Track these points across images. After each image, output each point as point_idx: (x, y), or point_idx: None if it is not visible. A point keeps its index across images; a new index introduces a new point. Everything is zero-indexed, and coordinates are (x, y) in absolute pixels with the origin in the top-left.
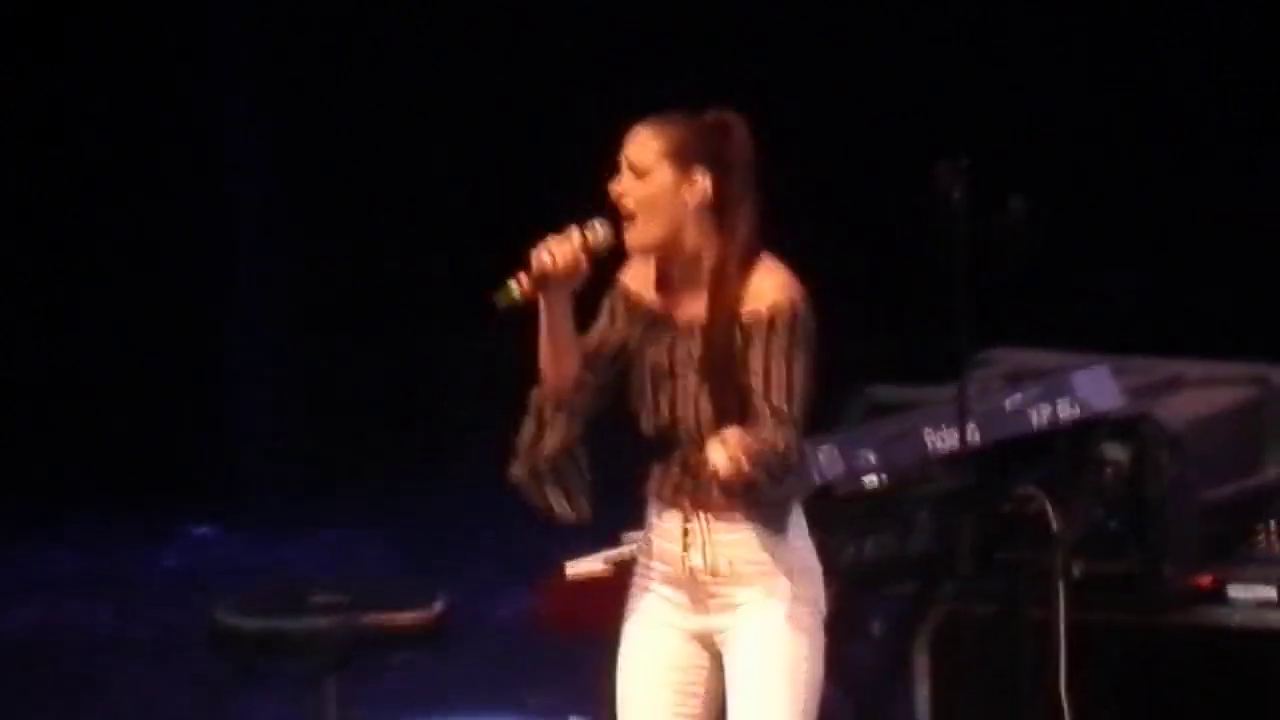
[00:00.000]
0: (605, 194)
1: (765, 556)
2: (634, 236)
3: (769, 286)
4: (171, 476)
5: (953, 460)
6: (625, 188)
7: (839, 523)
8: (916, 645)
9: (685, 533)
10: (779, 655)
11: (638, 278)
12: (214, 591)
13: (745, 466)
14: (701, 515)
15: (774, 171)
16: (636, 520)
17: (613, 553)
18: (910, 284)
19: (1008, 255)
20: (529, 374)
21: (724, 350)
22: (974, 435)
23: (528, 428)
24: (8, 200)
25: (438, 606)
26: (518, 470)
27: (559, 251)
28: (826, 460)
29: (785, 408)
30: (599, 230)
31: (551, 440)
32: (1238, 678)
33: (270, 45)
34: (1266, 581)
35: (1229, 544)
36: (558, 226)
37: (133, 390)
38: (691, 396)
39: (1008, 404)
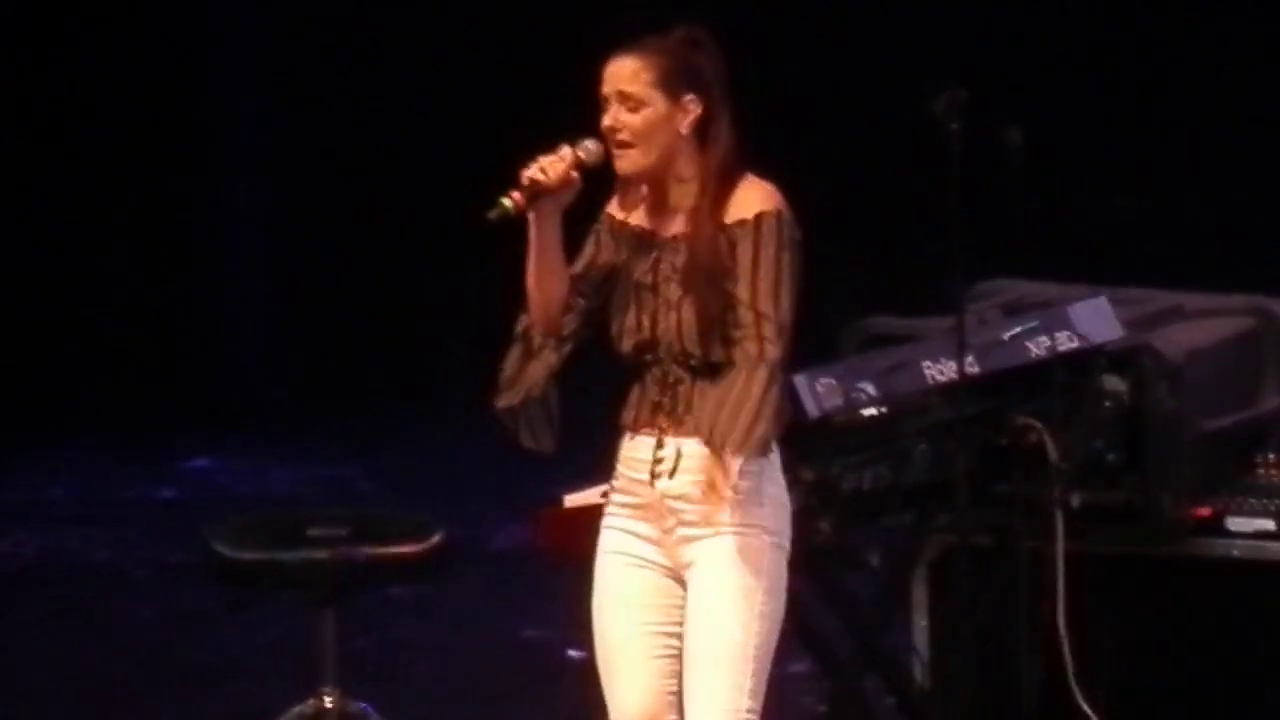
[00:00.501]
0: (593, 120)
1: (738, 482)
2: (628, 165)
3: (753, 197)
4: (168, 408)
5: (950, 391)
6: (620, 121)
7: (837, 454)
8: (914, 577)
9: (657, 459)
10: (738, 584)
11: (623, 205)
12: (210, 523)
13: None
14: (676, 437)
15: (770, 107)
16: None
17: (609, 485)
18: (907, 215)
19: (1004, 185)
20: (519, 305)
21: (708, 258)
22: (972, 366)
23: (514, 356)
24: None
25: (435, 538)
26: (504, 399)
27: (551, 167)
28: (825, 392)
29: (772, 312)
30: (590, 148)
31: (537, 368)
32: (1236, 609)
33: None
34: (1265, 513)
35: (1227, 475)
36: (549, 146)
37: (129, 322)
38: (674, 309)
39: (1006, 335)
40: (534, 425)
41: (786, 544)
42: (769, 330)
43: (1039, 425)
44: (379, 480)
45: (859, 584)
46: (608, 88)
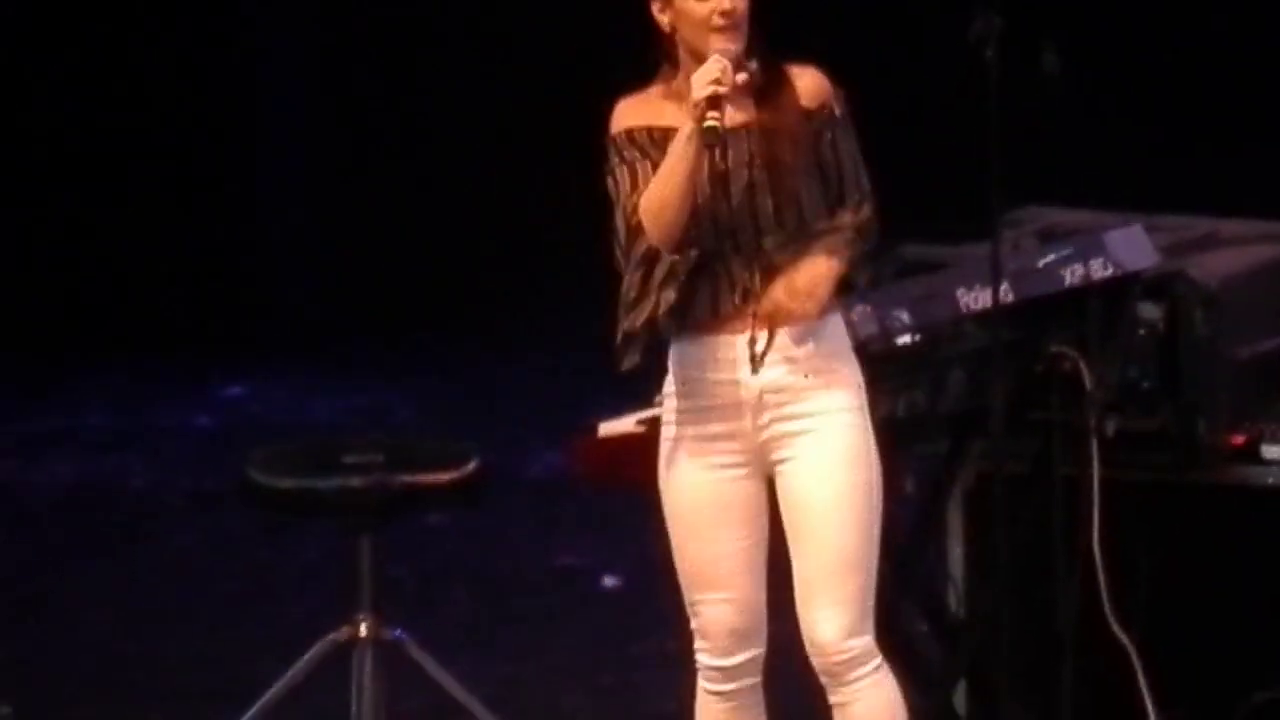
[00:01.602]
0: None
1: (840, 363)
2: (736, 44)
3: (814, 81)
4: (204, 335)
5: (985, 319)
6: (736, 3)
7: (872, 381)
8: (950, 503)
9: (751, 342)
10: (852, 481)
11: (642, 115)
12: (246, 450)
13: (818, 301)
14: (767, 322)
15: (804, 34)
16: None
17: (645, 414)
18: (942, 141)
19: (1041, 109)
20: (560, 233)
21: (792, 141)
22: (1007, 294)
23: (632, 282)
24: (26, 54)
25: (470, 465)
26: (630, 324)
27: (721, 76)
28: (859, 319)
29: (868, 185)
30: (722, 50)
31: (667, 290)
32: (1271, 535)
33: None
34: None
35: (1263, 402)
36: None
37: (164, 249)
38: (756, 191)
39: (1041, 262)
40: (644, 348)
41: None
42: (864, 204)
43: (1074, 353)
44: (416, 407)
45: (894, 511)
46: None
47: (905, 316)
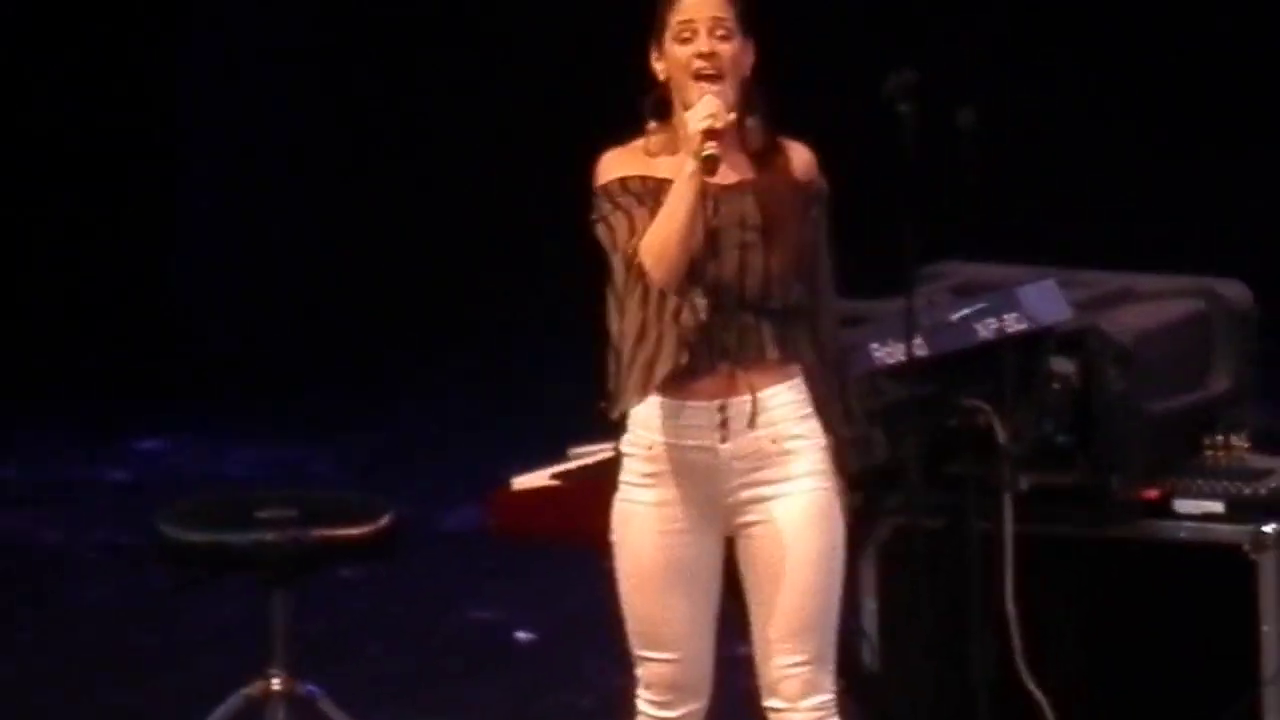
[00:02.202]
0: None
1: (808, 426)
2: (722, 101)
3: (807, 156)
4: (119, 389)
5: (900, 373)
6: (716, 49)
7: None
8: (864, 558)
9: (723, 409)
10: (820, 546)
11: (633, 166)
12: (161, 504)
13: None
14: (747, 386)
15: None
16: (580, 436)
17: (559, 467)
18: (856, 195)
19: (958, 168)
20: (477, 287)
21: (787, 204)
22: (921, 348)
23: (641, 325)
24: None
25: (385, 519)
26: (631, 361)
27: (717, 111)
28: None
29: (830, 290)
30: (713, 89)
31: (671, 323)
32: (1184, 590)
33: None
34: (1213, 495)
35: (1176, 457)
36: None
37: (79, 301)
38: (745, 251)
39: (955, 317)
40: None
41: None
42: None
43: (988, 407)
44: (332, 461)
45: None
46: (694, 13)
47: None
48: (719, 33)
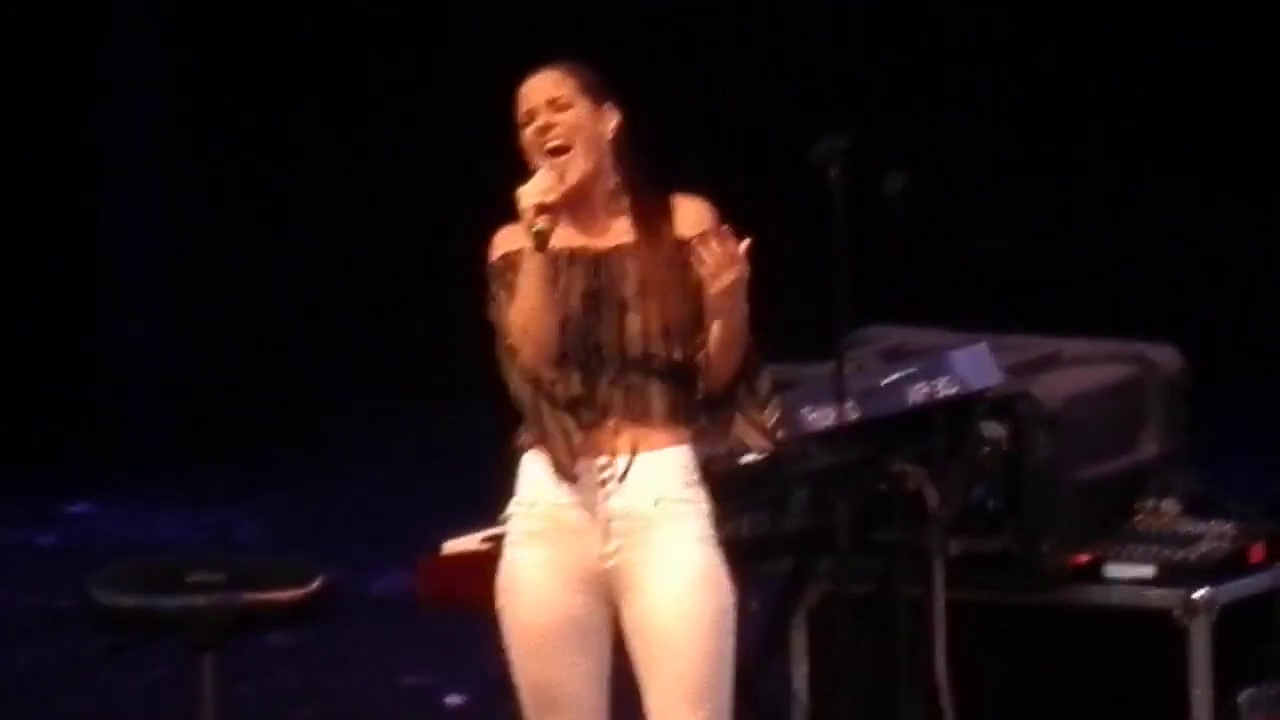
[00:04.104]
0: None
1: (692, 491)
2: (571, 169)
3: (701, 209)
4: (48, 453)
5: (830, 437)
6: (553, 120)
7: (715, 499)
8: (794, 623)
9: (606, 468)
10: (709, 608)
11: (513, 241)
12: (90, 569)
13: (741, 266)
14: (629, 444)
15: (655, 153)
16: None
17: (490, 531)
18: (786, 259)
19: (887, 232)
20: (407, 350)
21: (664, 267)
22: (851, 412)
23: (532, 402)
24: None
25: (315, 584)
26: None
27: (549, 186)
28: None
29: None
30: (551, 163)
31: (566, 393)
32: (1115, 656)
33: None
34: (1144, 560)
35: (1107, 522)
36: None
37: (7, 365)
38: (634, 312)
39: (885, 381)
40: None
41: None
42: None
43: (918, 472)
44: (262, 525)
45: (739, 630)
46: (532, 101)
47: None
48: (554, 107)
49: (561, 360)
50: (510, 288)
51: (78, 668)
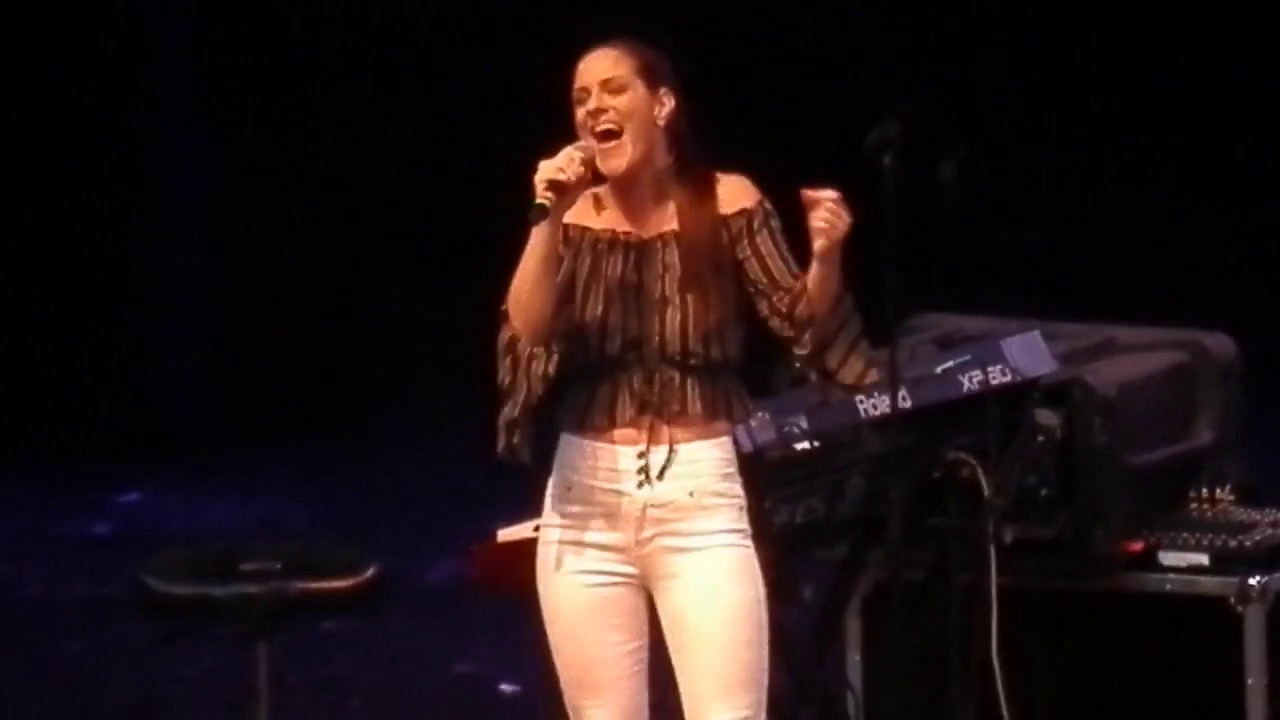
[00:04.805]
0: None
1: (727, 485)
2: (617, 158)
3: (740, 189)
4: (100, 442)
5: (884, 425)
6: (605, 104)
7: (770, 488)
8: (848, 610)
9: (643, 455)
10: (743, 599)
11: (572, 214)
12: (142, 558)
13: (845, 220)
14: (667, 437)
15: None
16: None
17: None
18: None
19: (940, 219)
20: (456, 337)
21: (711, 254)
22: (905, 400)
23: (506, 367)
24: None
25: (369, 572)
26: (506, 411)
27: (567, 165)
28: (758, 426)
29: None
30: (589, 146)
31: (535, 374)
32: (1169, 643)
33: None
34: (1197, 547)
35: (1161, 509)
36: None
37: (60, 354)
38: (674, 307)
39: (939, 369)
40: (526, 438)
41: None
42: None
43: (972, 459)
44: (314, 513)
45: (792, 618)
46: (586, 79)
47: (803, 423)
48: (609, 89)
49: (598, 350)
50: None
51: (130, 657)
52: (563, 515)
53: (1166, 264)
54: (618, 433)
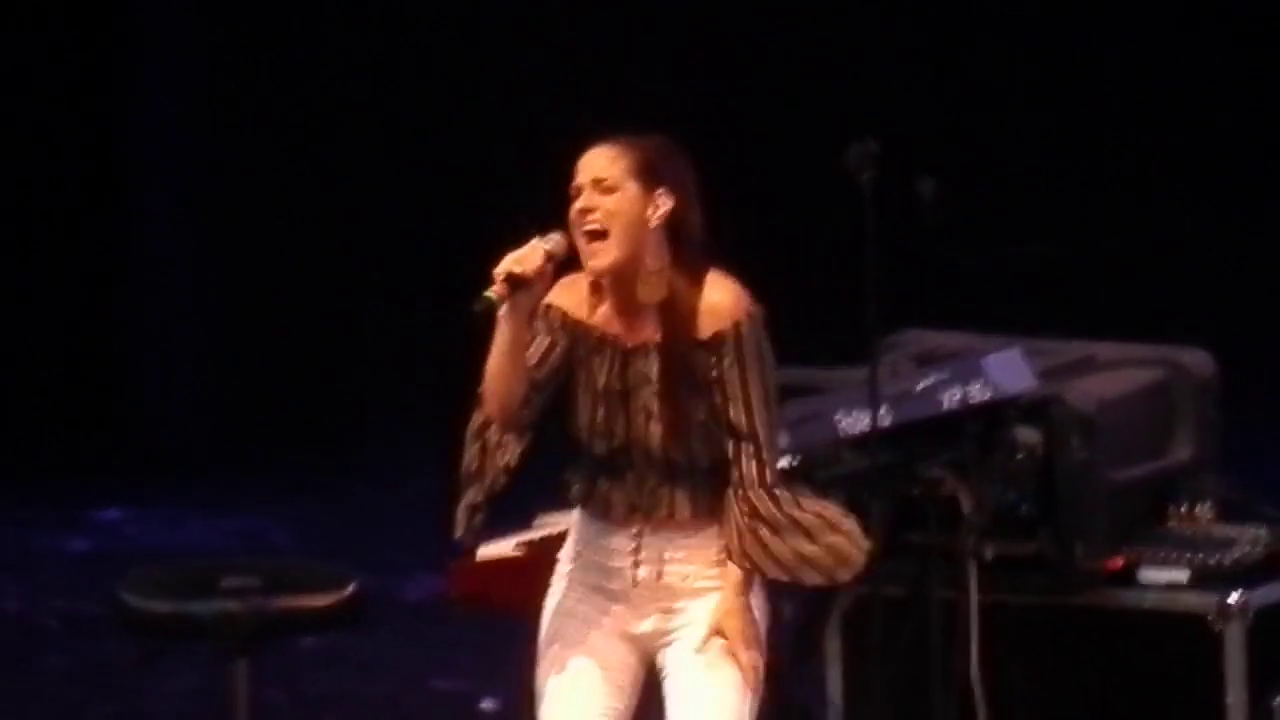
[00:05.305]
0: (558, 211)
1: (718, 570)
2: (601, 257)
3: (725, 302)
4: (80, 459)
5: (863, 442)
6: (593, 203)
7: None
8: (827, 627)
9: (636, 549)
10: (738, 671)
11: (569, 298)
12: (121, 575)
13: (756, 658)
14: (657, 539)
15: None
16: (548, 503)
17: (524, 536)
18: (821, 266)
19: (919, 236)
20: (438, 355)
21: (684, 371)
22: (885, 417)
23: (473, 452)
24: None
25: (348, 589)
26: (469, 496)
27: (527, 259)
28: None
29: (766, 433)
30: (557, 240)
31: (497, 465)
32: (1149, 660)
33: None
34: (1177, 563)
35: (1140, 526)
36: (515, 236)
37: (40, 371)
38: (653, 417)
39: (919, 386)
40: (486, 522)
41: (766, 608)
42: (767, 454)
43: (951, 476)
44: (293, 531)
45: (772, 634)
46: (581, 176)
47: (783, 440)
48: (600, 189)
49: (589, 448)
50: (535, 336)
51: (108, 674)
52: (571, 575)
53: (1144, 280)
54: (615, 520)
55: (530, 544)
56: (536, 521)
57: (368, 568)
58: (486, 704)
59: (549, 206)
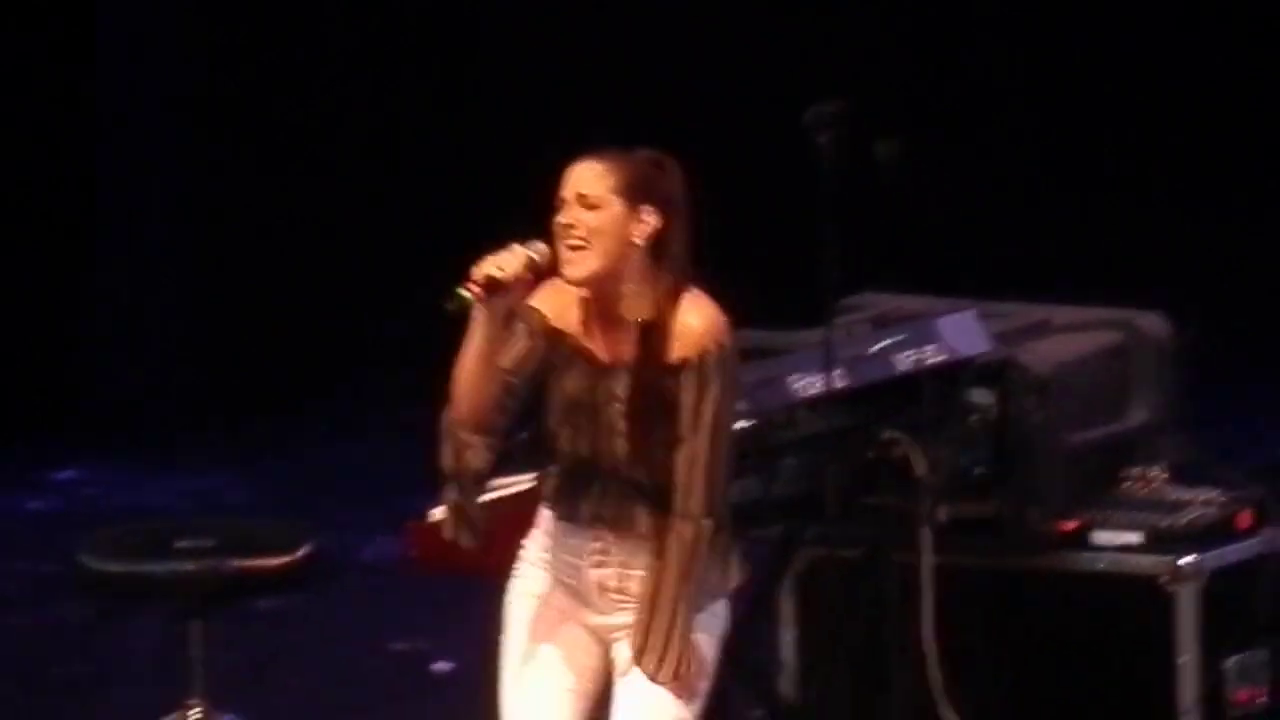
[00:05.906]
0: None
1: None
2: (578, 268)
3: (695, 331)
4: (36, 419)
5: (818, 405)
6: (575, 219)
7: None
8: (783, 589)
9: (601, 551)
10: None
11: (550, 305)
12: (79, 536)
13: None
14: (619, 549)
15: (647, 118)
16: (500, 468)
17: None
18: (775, 227)
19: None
20: (398, 317)
21: (654, 392)
22: (840, 380)
23: (447, 451)
24: None
25: (303, 550)
26: (449, 494)
27: (507, 264)
28: None
29: (710, 462)
30: (541, 248)
31: (470, 467)
32: (1102, 622)
33: None
34: (1131, 526)
35: (1095, 488)
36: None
37: None
38: (620, 435)
39: (873, 349)
40: (469, 520)
41: (724, 619)
42: (705, 484)
43: (906, 439)
44: (250, 492)
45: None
46: (568, 190)
47: (739, 403)
48: (584, 204)
49: (555, 456)
50: (514, 332)
51: (68, 634)
52: (535, 562)
53: (1101, 243)
54: (579, 522)
55: (486, 505)
56: (491, 484)
57: (324, 528)
58: (440, 665)
59: (544, 211)
